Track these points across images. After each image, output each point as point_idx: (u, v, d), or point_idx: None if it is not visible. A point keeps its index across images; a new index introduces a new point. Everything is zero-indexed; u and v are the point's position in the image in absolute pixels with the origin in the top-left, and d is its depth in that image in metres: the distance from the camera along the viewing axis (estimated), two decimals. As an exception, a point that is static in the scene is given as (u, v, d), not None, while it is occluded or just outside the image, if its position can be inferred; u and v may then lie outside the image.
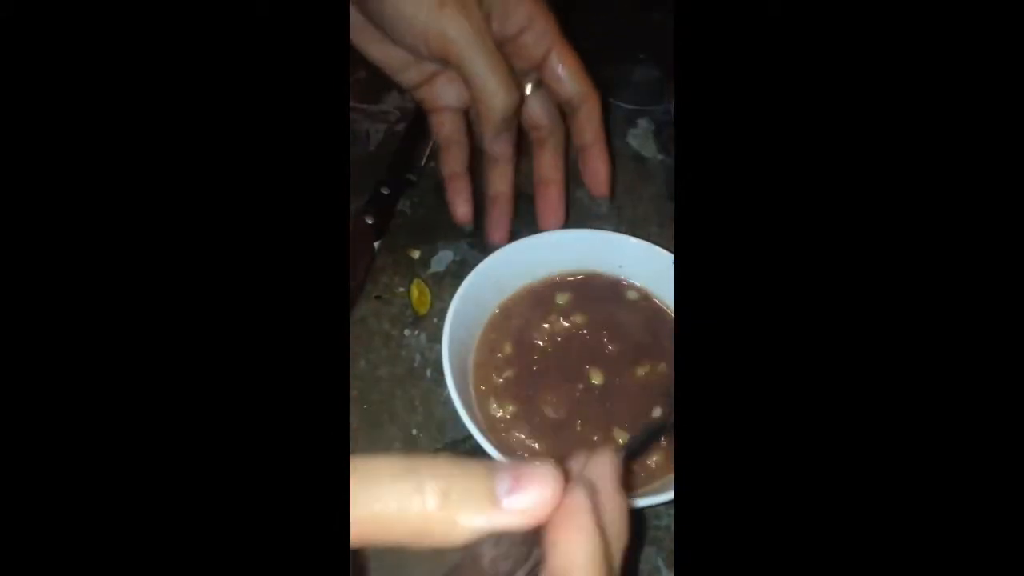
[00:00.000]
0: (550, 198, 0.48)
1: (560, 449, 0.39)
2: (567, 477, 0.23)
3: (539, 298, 0.45)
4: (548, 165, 0.47)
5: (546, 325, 0.43)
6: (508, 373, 0.42)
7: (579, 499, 0.22)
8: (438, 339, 0.46)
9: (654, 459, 0.39)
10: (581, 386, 0.41)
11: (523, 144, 0.48)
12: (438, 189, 0.53)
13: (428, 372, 0.45)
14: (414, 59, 0.44)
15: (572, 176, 0.49)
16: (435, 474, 0.22)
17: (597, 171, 0.47)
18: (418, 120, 0.55)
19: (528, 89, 0.45)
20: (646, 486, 0.38)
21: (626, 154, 0.57)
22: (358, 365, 0.45)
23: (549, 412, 0.40)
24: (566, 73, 0.44)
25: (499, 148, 0.45)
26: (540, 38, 0.43)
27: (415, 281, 0.48)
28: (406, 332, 0.47)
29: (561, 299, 0.44)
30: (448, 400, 0.38)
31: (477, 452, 0.37)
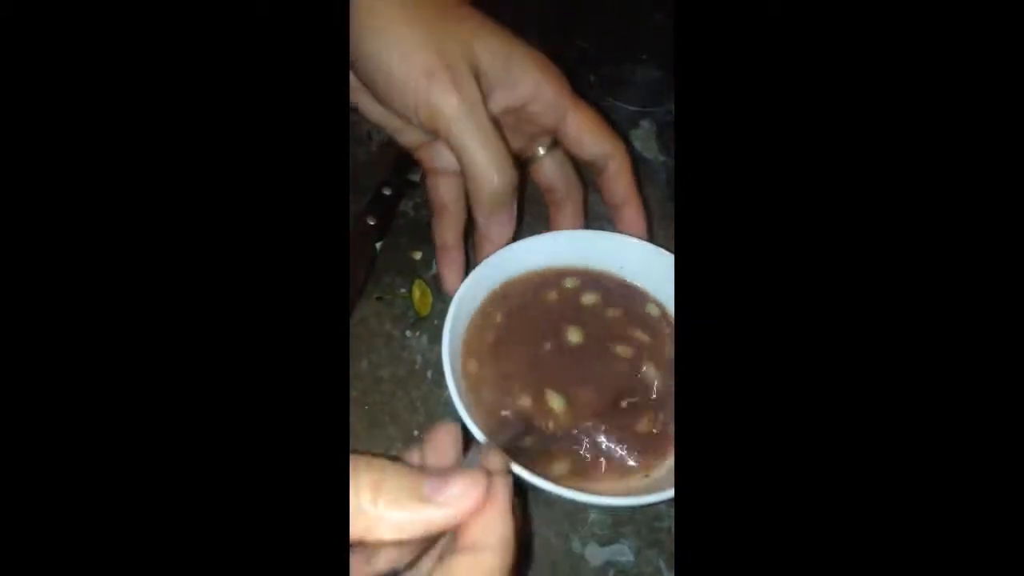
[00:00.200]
0: None
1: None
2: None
3: (545, 281, 0.44)
4: (567, 227, 0.45)
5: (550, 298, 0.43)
6: (492, 337, 0.41)
7: (500, 489, 0.25)
8: (439, 340, 0.46)
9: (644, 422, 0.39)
10: (548, 345, 0.40)
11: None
12: (440, 190, 0.53)
13: (429, 373, 0.45)
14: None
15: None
16: (369, 469, 0.24)
17: (634, 230, 0.44)
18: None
19: (540, 152, 0.43)
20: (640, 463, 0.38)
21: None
22: (359, 366, 0.45)
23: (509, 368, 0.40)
24: (586, 136, 0.42)
25: (493, 230, 0.41)
26: (550, 106, 0.41)
27: (416, 282, 0.48)
28: (407, 333, 0.47)
29: (570, 283, 0.44)
30: (449, 401, 0.38)
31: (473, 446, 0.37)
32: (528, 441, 0.38)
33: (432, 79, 0.37)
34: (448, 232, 0.45)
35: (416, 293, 0.48)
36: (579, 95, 0.42)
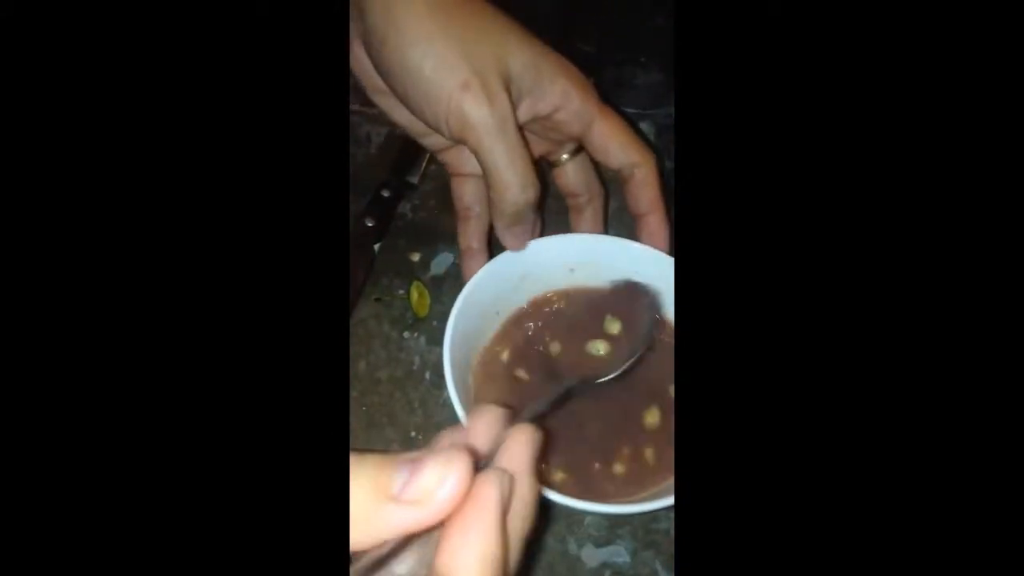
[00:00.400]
0: None
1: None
2: (476, 456, 0.22)
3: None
4: (587, 232, 0.45)
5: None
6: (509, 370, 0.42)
7: (487, 493, 0.21)
8: (437, 341, 0.47)
9: (648, 451, 0.39)
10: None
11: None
12: (439, 192, 0.53)
13: (427, 374, 0.45)
14: None
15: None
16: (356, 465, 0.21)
17: (656, 239, 0.44)
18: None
19: (564, 156, 0.44)
20: (642, 480, 0.38)
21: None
22: (357, 367, 0.45)
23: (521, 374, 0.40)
24: (612, 145, 0.42)
25: (508, 241, 0.42)
26: (577, 114, 0.41)
27: (415, 283, 0.48)
28: (405, 334, 0.47)
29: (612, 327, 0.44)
30: (447, 402, 0.38)
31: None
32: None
33: (466, 91, 0.37)
34: (473, 236, 0.45)
35: (414, 294, 0.48)
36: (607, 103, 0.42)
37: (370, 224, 0.49)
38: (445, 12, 0.38)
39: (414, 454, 0.21)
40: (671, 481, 0.38)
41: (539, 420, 0.29)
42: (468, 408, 0.38)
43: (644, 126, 0.59)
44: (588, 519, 0.41)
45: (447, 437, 0.26)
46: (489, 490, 0.21)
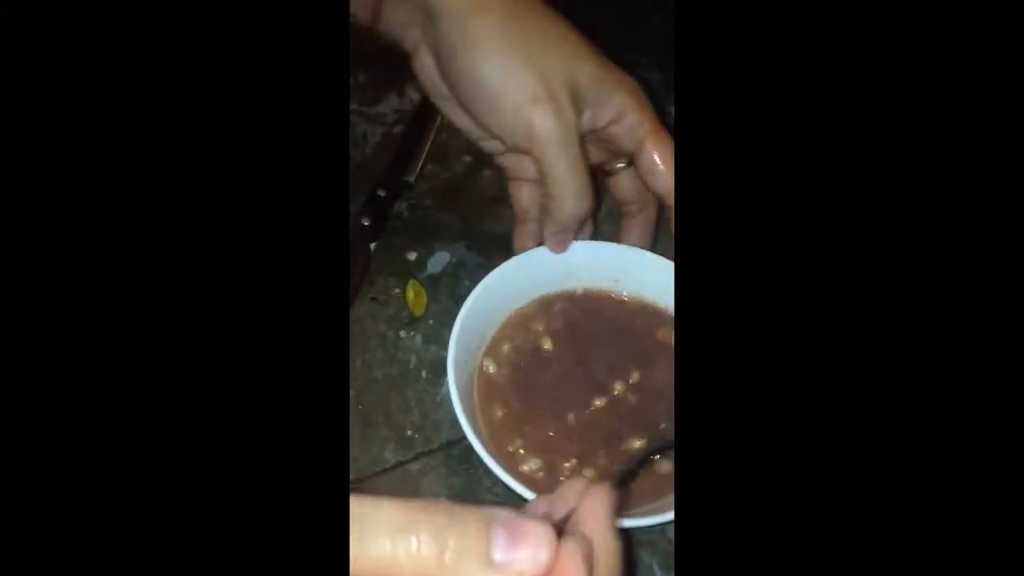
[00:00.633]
0: None
1: (558, 460, 0.39)
2: (557, 516, 0.24)
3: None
4: (635, 237, 0.46)
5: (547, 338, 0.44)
6: (512, 378, 0.42)
7: (572, 558, 0.22)
8: (433, 341, 0.47)
9: (666, 468, 0.39)
10: (593, 401, 0.42)
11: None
12: (435, 192, 0.53)
13: (423, 373, 0.45)
14: None
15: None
16: (432, 529, 0.21)
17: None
18: (416, 123, 0.55)
19: (620, 166, 0.44)
20: (658, 499, 0.39)
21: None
22: (354, 366, 0.45)
23: (548, 422, 0.41)
24: (659, 170, 0.42)
25: (555, 245, 0.44)
26: (633, 130, 0.41)
27: (411, 282, 0.48)
28: (402, 333, 0.47)
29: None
30: (444, 401, 0.38)
31: (471, 454, 0.38)
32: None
33: (535, 105, 0.38)
34: (529, 237, 0.46)
35: (410, 294, 0.48)
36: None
37: (366, 223, 0.49)
38: (518, 27, 0.39)
39: (504, 514, 0.22)
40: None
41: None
42: (467, 407, 0.38)
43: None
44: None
45: (540, 505, 0.29)
46: (572, 554, 0.22)
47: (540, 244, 0.45)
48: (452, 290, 0.48)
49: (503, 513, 0.22)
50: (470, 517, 0.22)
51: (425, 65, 0.41)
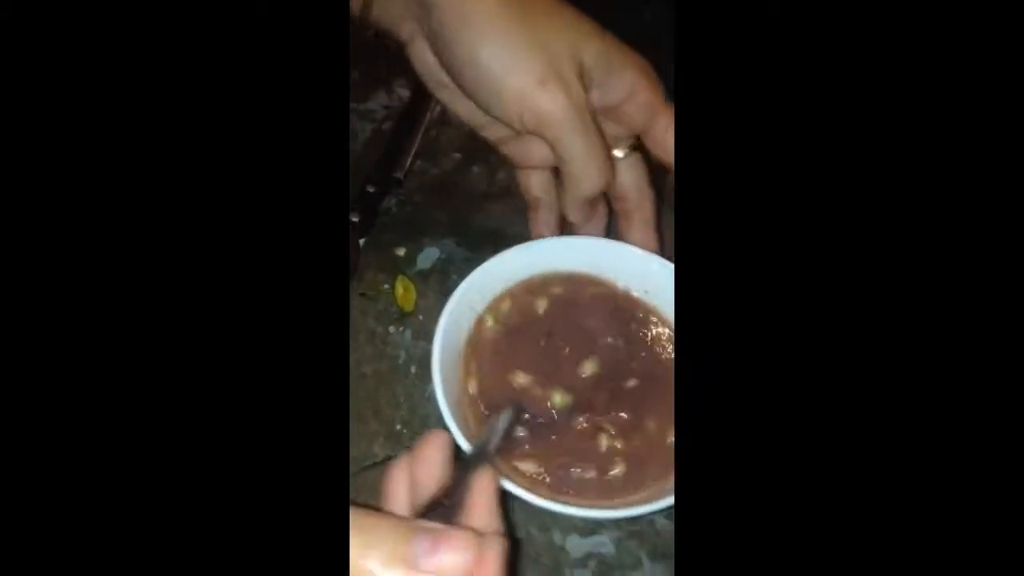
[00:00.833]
0: None
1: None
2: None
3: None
4: (637, 239, 0.44)
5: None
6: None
7: (490, 553, 0.25)
8: (423, 336, 0.47)
9: (604, 443, 0.39)
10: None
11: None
12: (424, 188, 0.53)
13: (412, 369, 0.46)
14: None
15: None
16: (360, 530, 0.24)
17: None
18: (405, 120, 0.55)
19: (618, 155, 0.43)
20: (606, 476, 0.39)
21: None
22: (343, 361, 0.45)
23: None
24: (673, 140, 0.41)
25: (578, 216, 0.43)
26: (643, 107, 0.41)
27: (399, 278, 0.49)
28: (391, 329, 0.47)
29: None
30: (432, 396, 0.38)
31: (462, 453, 0.38)
32: (520, 431, 0.38)
33: (542, 87, 0.37)
34: (544, 224, 0.45)
35: (399, 289, 0.48)
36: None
37: (355, 219, 0.49)
38: (517, 7, 0.38)
39: (429, 525, 0.26)
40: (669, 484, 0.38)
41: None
42: (452, 402, 0.38)
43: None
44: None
45: (433, 445, 0.31)
46: (493, 551, 0.25)
47: (557, 229, 0.45)
48: (441, 286, 0.49)
49: (429, 525, 0.25)
50: (400, 523, 0.25)
51: (422, 54, 0.41)
